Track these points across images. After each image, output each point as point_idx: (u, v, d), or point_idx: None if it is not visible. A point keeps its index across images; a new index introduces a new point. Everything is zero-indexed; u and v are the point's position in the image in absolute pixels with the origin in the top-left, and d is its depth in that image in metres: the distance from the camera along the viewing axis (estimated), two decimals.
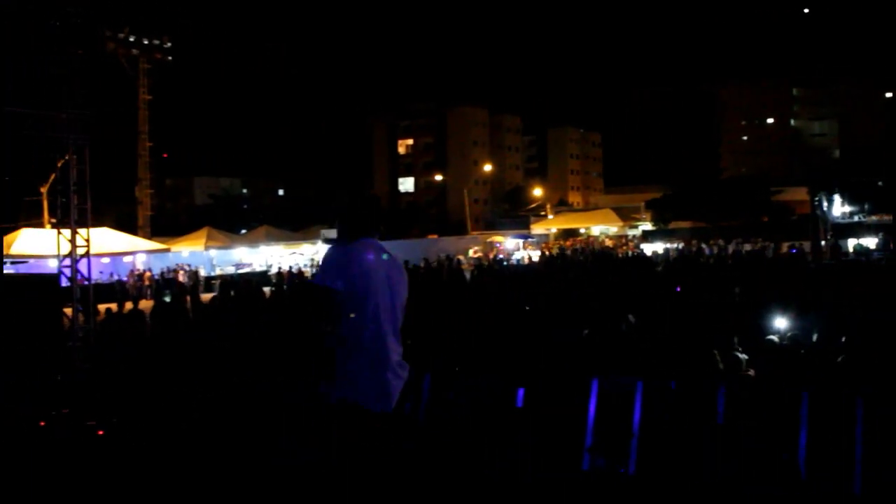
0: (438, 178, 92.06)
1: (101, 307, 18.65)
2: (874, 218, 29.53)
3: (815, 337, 9.44)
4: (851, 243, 34.14)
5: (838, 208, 28.70)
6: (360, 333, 4.01)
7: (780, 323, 9.90)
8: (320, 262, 4.29)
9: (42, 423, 7.43)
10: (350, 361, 4.00)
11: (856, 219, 29.21)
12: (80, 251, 14.58)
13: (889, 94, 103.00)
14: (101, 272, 32.98)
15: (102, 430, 6.82)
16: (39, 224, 29.69)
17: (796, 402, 7.03)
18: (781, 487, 6.65)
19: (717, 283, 18.56)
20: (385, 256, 4.21)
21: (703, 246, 43.24)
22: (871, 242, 31.58)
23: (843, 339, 8.42)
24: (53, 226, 14.75)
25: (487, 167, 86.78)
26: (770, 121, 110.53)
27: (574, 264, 33.38)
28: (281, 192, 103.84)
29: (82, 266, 14.61)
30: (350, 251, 4.16)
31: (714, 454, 7.00)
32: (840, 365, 8.07)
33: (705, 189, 62.39)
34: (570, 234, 65.23)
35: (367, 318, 4.02)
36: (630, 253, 42.79)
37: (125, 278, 34.09)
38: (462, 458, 7.61)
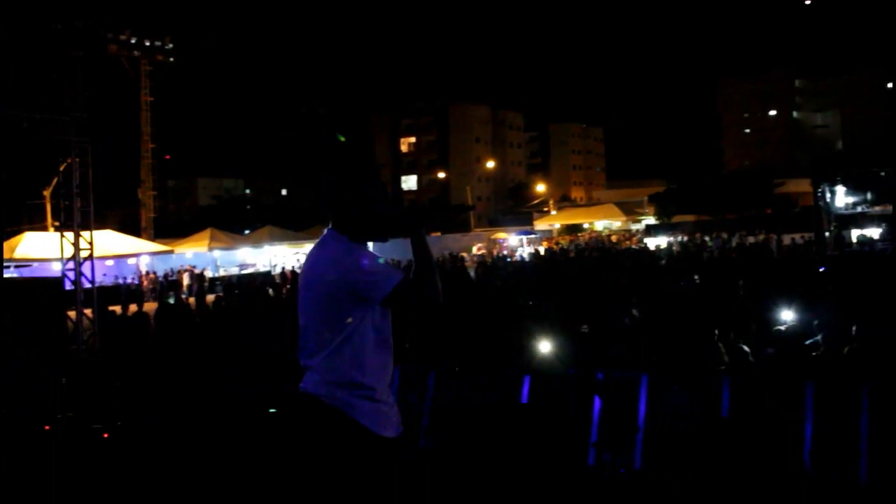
0: (441, 175, 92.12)
1: (115, 308, 18.72)
2: (878, 208, 29.42)
3: (818, 328, 9.43)
4: (855, 234, 34.08)
5: (841, 199, 28.58)
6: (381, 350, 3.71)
7: (785, 315, 9.89)
8: None
9: (47, 427, 7.44)
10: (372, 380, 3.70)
11: (859, 209, 29.10)
12: (84, 254, 14.59)
13: (890, 85, 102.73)
14: (104, 275, 33.06)
15: (108, 433, 6.83)
16: (43, 227, 29.77)
17: (801, 393, 7.02)
18: (787, 479, 6.64)
19: (720, 276, 18.53)
20: (318, 246, 3.85)
21: (707, 239, 43.20)
22: (874, 233, 31.51)
23: (851, 330, 8.40)
24: (56, 229, 14.76)
25: (490, 164, 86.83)
26: (772, 113, 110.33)
27: (577, 260, 33.34)
28: (284, 192, 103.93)
29: (86, 269, 14.62)
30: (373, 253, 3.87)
31: (719, 447, 6.99)
32: (846, 356, 8.06)
33: (708, 182, 62.41)
34: (574, 229, 65.24)
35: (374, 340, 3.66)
36: (633, 247, 42.77)
37: (133, 280, 34.12)
38: (468, 454, 7.60)
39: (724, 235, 44.18)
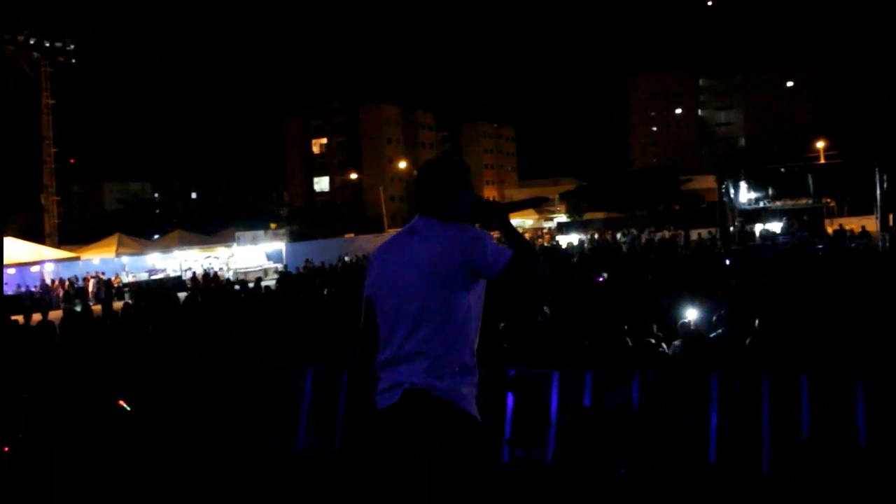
0: (353, 176, 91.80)
1: (17, 318, 18.12)
2: (779, 203, 30.44)
3: (720, 321, 9.70)
4: (759, 228, 35.18)
5: (744, 195, 29.49)
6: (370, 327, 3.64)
7: (691, 309, 10.12)
8: None
9: None
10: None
11: (761, 204, 30.07)
12: None
13: (790, 84, 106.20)
14: (6, 283, 32.03)
15: (7, 446, 6.63)
16: None
17: (707, 385, 7.21)
18: (692, 470, 6.80)
19: (630, 272, 18.86)
20: (405, 236, 3.69)
21: (619, 236, 44.02)
22: (776, 227, 32.60)
23: (754, 323, 8.65)
24: None
25: (402, 164, 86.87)
26: (678, 111, 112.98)
27: None
28: (194, 195, 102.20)
29: None
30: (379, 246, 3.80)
31: (630, 440, 7.12)
32: (748, 348, 8.29)
33: (617, 180, 63.58)
34: None
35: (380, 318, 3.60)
36: (545, 245, 43.28)
37: (37, 289, 33.13)
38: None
39: (634, 231, 45.09)
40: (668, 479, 6.47)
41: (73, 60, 43.16)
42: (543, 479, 7.05)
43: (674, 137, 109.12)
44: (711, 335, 9.19)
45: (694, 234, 38.98)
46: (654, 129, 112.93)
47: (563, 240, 48.27)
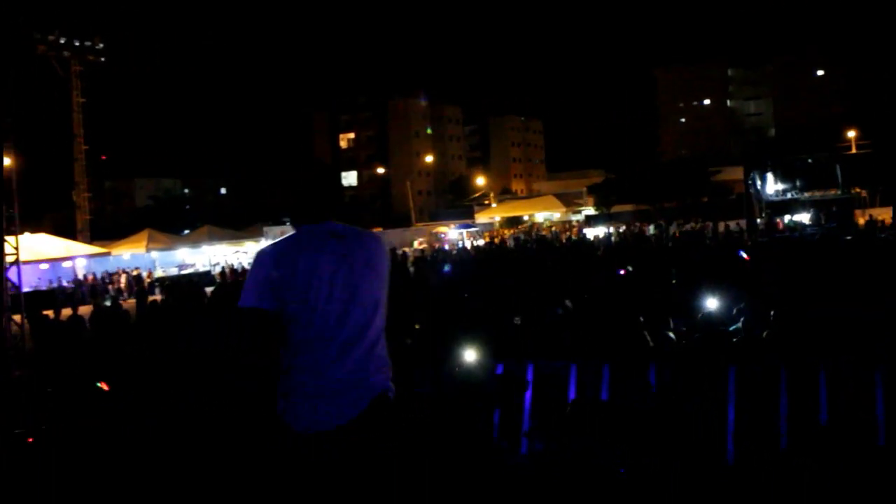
0: (381, 170, 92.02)
1: (48, 313, 18.43)
2: (806, 194, 30.20)
3: (739, 314, 9.69)
4: (787, 220, 34.92)
5: (772, 186, 29.28)
6: (296, 348, 3.37)
7: (711, 301, 10.10)
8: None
9: None
10: (286, 378, 3.41)
11: (789, 196, 29.84)
12: (10, 259, 14.36)
13: (821, 72, 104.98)
14: (39, 278, 32.50)
15: (32, 437, 6.77)
16: None
17: (724, 376, 7.22)
18: (709, 463, 6.82)
19: (655, 265, 18.81)
20: (336, 241, 3.47)
21: (651, 228, 43.80)
22: (804, 218, 32.32)
23: (770, 315, 8.63)
24: None
25: (429, 158, 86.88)
26: (707, 102, 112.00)
27: (514, 251, 33.59)
28: (223, 190, 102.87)
29: (13, 274, 14.39)
30: (276, 252, 3.42)
31: (648, 432, 7.14)
32: (765, 340, 8.28)
33: (645, 172, 63.13)
34: (515, 221, 65.65)
35: (301, 330, 3.35)
36: (572, 238, 43.21)
37: (69, 284, 33.56)
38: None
39: (663, 224, 44.87)
40: (681, 476, 6.48)
41: (103, 59, 43.65)
42: (558, 472, 7.09)
43: (703, 128, 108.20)
44: (731, 328, 9.19)
45: (722, 226, 38.74)
46: (683, 120, 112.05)
47: (591, 233, 48.13)
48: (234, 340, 3.31)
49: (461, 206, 75.38)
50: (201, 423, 6.62)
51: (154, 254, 39.98)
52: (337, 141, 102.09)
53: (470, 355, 7.88)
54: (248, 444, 3.45)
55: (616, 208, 59.05)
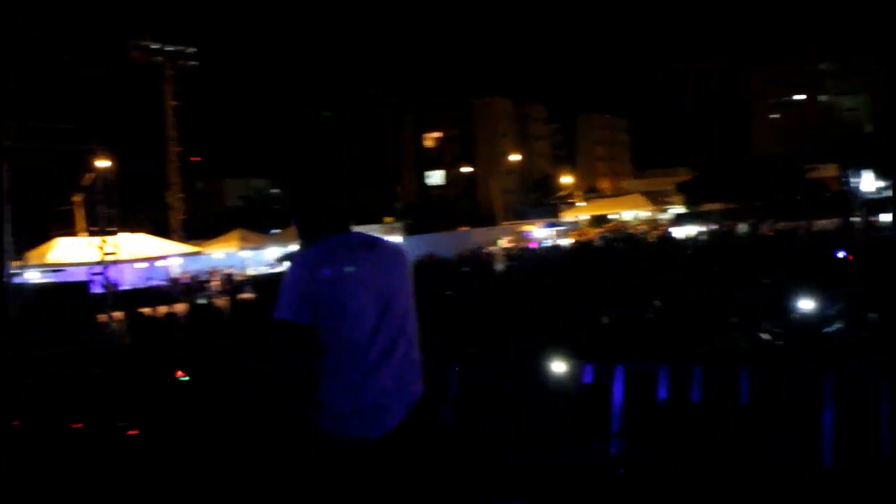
0: (466, 169, 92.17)
1: (145, 310, 19.03)
2: None
3: (837, 316, 9.44)
4: (885, 219, 33.73)
5: (869, 183, 28.35)
6: (337, 357, 3.33)
7: (806, 302, 9.86)
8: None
9: (77, 426, 7.62)
10: (323, 387, 3.37)
11: (888, 193, 28.85)
12: (110, 258, 14.84)
13: None
14: (136, 277, 33.46)
15: (133, 430, 7.00)
16: (73, 233, 30.25)
17: (820, 381, 7.04)
18: (805, 468, 6.65)
19: (747, 265, 18.47)
20: (367, 250, 3.53)
21: (739, 226, 42.91)
22: None
23: (868, 318, 8.41)
24: (92, 234, 15.09)
25: (515, 157, 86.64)
26: (800, 97, 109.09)
27: (602, 250, 33.29)
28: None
29: (112, 272, 14.88)
30: (309, 263, 3.42)
31: (738, 436, 7.01)
32: (863, 344, 8.06)
33: (736, 169, 61.90)
34: (601, 220, 65.07)
35: (341, 340, 3.33)
36: (660, 236, 42.60)
37: (160, 283, 34.49)
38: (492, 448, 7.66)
39: (754, 222, 43.87)
40: (773, 479, 6.34)
41: (194, 63, 44.74)
42: (650, 474, 7.01)
43: (795, 125, 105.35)
44: (826, 330, 8.96)
45: (817, 226, 37.67)
46: (775, 116, 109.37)
47: (680, 231, 47.39)
48: (269, 353, 3.34)
49: (547, 204, 75.08)
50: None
51: (245, 253, 40.82)
52: (422, 140, 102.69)
53: (559, 358, 7.85)
54: (282, 452, 3.47)
55: (705, 206, 57.98)
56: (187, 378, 8.55)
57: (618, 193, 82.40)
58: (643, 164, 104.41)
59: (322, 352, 3.34)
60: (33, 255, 23.13)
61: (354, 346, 3.35)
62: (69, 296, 14.16)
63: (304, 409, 3.37)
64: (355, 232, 3.63)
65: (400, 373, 3.43)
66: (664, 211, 64.02)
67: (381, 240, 3.67)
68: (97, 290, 14.73)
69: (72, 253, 27.16)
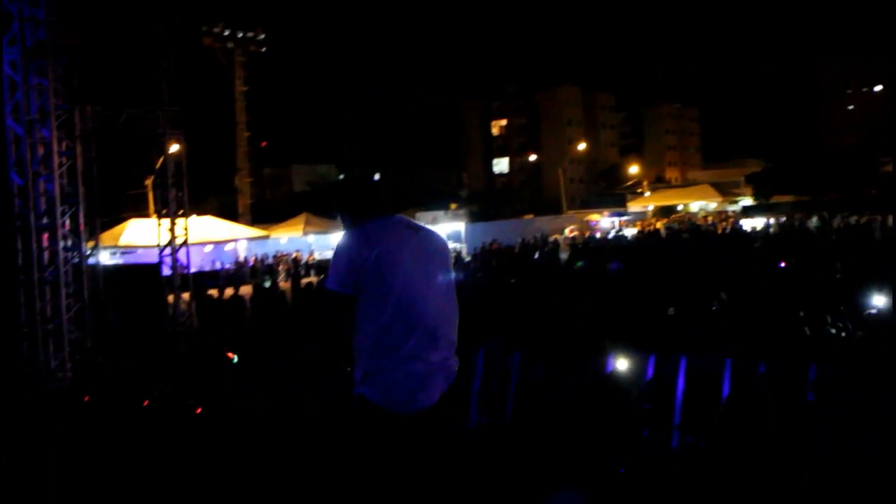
0: (533, 158, 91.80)
1: (212, 292, 19.40)
2: None
3: None
4: None
5: None
6: (384, 331, 3.52)
7: (878, 299, 9.63)
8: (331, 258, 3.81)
9: (145, 403, 7.82)
10: (371, 360, 3.57)
11: None
12: (179, 240, 15.11)
13: None
14: (202, 260, 34.00)
15: (200, 408, 7.14)
16: (146, 215, 30.90)
17: (892, 377, 6.89)
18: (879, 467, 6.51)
19: (818, 259, 18.10)
20: (410, 233, 3.72)
21: (810, 220, 42.07)
22: None
23: None
24: (162, 216, 15.39)
25: (582, 146, 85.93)
26: (877, 88, 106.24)
27: (668, 241, 32.89)
28: (377, 176, 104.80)
29: (182, 255, 15.15)
30: (355, 242, 3.70)
31: (804, 433, 6.90)
32: None
33: (808, 161, 60.63)
34: (668, 210, 64.24)
35: (387, 314, 3.52)
36: (727, 229, 41.92)
37: (228, 266, 34.99)
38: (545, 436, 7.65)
39: (826, 216, 42.94)
40: (842, 476, 6.21)
41: (264, 49, 45.25)
42: (709, 467, 6.94)
43: (871, 116, 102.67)
44: None
45: (892, 220, 36.73)
46: (850, 107, 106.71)
47: (748, 224, 46.62)
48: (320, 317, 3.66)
49: (613, 194, 74.41)
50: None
51: (310, 237, 41.22)
52: (489, 128, 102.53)
53: (623, 351, 7.81)
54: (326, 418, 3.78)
55: (775, 199, 56.92)
56: (236, 359, 8.73)
57: (685, 184, 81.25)
58: (712, 155, 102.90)
59: (354, 323, 3.61)
60: (106, 237, 23.69)
61: (397, 320, 3.53)
62: (142, 277, 14.49)
63: (343, 364, 3.63)
64: (399, 216, 3.80)
65: (441, 348, 3.61)
66: (733, 202, 62.95)
67: (423, 227, 3.85)
68: (166, 272, 15.01)
69: (143, 235, 27.76)
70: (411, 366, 3.52)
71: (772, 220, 45.18)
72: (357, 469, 3.61)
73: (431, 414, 3.54)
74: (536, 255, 29.29)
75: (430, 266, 3.66)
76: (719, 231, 39.65)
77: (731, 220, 52.85)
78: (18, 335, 11.75)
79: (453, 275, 3.80)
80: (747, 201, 60.85)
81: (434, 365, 3.56)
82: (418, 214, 44.72)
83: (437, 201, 55.68)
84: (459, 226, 45.76)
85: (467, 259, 29.99)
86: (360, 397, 3.57)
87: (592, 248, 31.13)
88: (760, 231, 38.59)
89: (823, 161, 60.68)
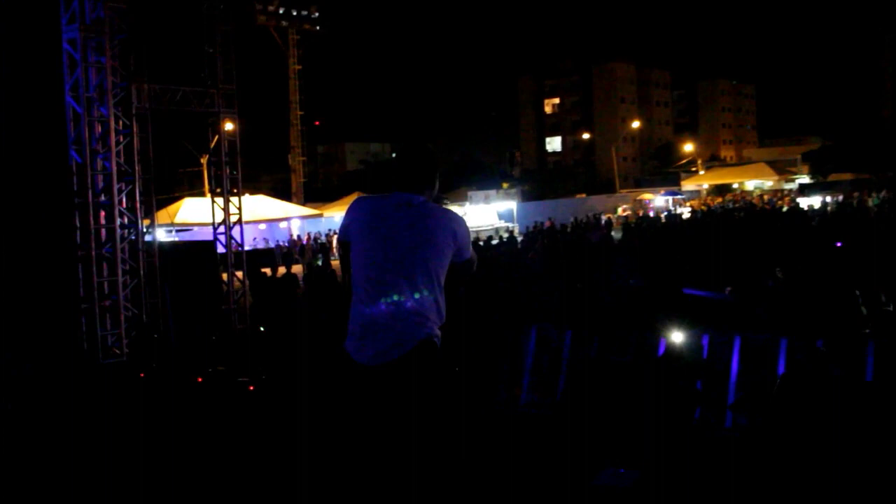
0: (586, 136, 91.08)
1: (266, 270, 19.60)
2: None
3: None
4: None
5: None
6: (353, 286, 3.99)
7: None
8: None
9: (199, 379, 7.93)
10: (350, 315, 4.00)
11: None
12: (233, 218, 15.27)
13: None
14: (254, 238, 34.35)
15: (253, 385, 7.23)
16: (202, 193, 31.32)
17: None
18: None
19: (876, 237, 17.74)
20: (392, 210, 4.03)
21: (869, 198, 41.24)
22: None
23: None
24: (216, 195, 15.57)
25: (635, 124, 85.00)
26: None
27: (723, 219, 32.44)
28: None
29: (235, 233, 15.31)
30: (356, 204, 4.19)
31: (864, 413, 6.78)
32: None
33: (868, 138, 59.32)
34: (723, 189, 63.39)
35: (355, 273, 3.98)
36: (784, 207, 41.26)
37: (284, 243, 35.29)
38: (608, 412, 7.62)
39: (885, 194, 42.05)
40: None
41: (318, 28, 45.38)
42: (763, 447, 6.86)
43: None
44: None
45: None
46: None
47: (805, 202, 45.85)
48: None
49: (667, 172, 73.59)
50: None
51: None
52: (542, 106, 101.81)
53: (678, 329, 7.72)
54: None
55: (833, 177, 55.85)
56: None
57: (741, 162, 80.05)
58: (769, 132, 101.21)
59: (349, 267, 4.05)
60: (162, 215, 24.06)
61: (366, 278, 3.90)
62: (196, 255, 14.69)
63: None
64: (398, 195, 4.08)
65: (402, 313, 3.83)
66: (790, 181, 61.90)
67: (422, 204, 4.06)
68: (221, 249, 15.19)
69: (198, 213, 28.15)
70: (359, 319, 3.86)
71: (829, 199, 44.34)
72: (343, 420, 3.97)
73: (393, 372, 3.76)
74: (590, 235, 29.07)
75: (404, 237, 3.91)
76: (779, 208, 39.04)
77: (786, 199, 52.03)
78: (77, 310, 11.99)
79: (436, 250, 3.95)
80: (804, 179, 59.80)
81: (379, 323, 3.82)
82: (470, 193, 44.65)
83: (488, 179, 55.47)
84: (511, 204, 45.61)
85: (519, 238, 29.87)
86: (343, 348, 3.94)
87: (645, 228, 30.83)
88: (818, 209, 37.91)
89: (884, 138, 59.29)
